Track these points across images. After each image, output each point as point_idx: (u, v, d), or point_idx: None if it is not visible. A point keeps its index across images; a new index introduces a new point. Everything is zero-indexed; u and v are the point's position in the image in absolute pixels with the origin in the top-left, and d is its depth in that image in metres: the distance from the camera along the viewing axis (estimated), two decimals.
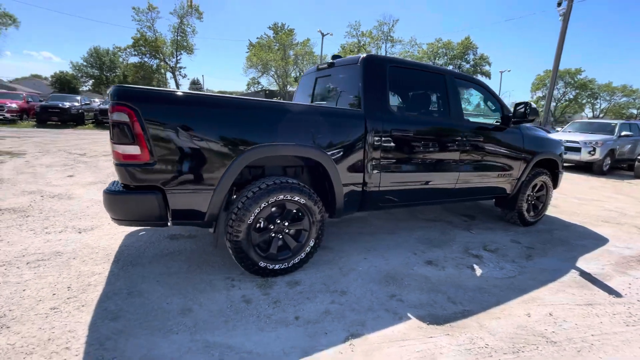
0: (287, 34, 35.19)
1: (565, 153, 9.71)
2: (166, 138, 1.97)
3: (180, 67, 28.75)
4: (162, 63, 27.73)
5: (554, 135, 10.49)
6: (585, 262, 3.20)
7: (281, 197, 2.35)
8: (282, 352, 1.75)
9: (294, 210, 2.50)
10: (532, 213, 4.20)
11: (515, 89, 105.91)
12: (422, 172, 3.05)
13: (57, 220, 3.44)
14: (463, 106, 3.55)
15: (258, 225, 2.41)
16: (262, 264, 2.40)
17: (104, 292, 2.21)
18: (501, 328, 2.08)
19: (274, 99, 3.16)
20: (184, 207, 2.12)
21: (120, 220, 2.06)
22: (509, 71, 40.80)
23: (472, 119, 3.45)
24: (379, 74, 2.79)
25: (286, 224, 2.50)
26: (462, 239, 3.61)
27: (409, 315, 2.16)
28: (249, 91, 44.81)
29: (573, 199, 6.08)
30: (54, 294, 2.15)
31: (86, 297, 2.14)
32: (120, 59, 31.26)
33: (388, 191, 2.94)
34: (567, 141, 9.86)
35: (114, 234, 3.19)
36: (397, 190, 2.99)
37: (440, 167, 3.15)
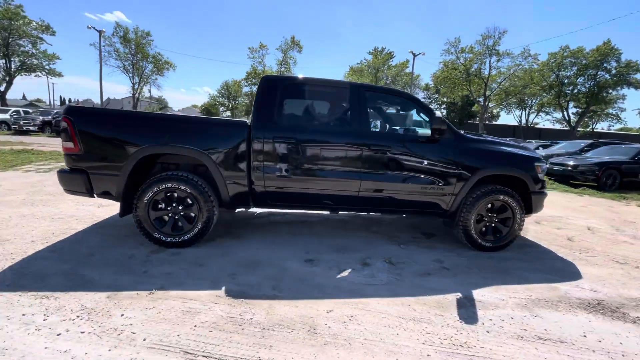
0: (384, 58, 36.08)
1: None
2: (89, 138, 3.04)
3: None
4: None
5: None
6: (492, 291, 2.78)
7: (169, 185, 3.12)
8: (107, 285, 2.48)
9: (186, 198, 3.21)
10: (490, 237, 3.68)
11: None
12: (310, 177, 3.30)
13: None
14: (395, 118, 3.59)
15: (160, 206, 3.23)
16: (156, 235, 3.19)
17: (66, 238, 3.40)
18: (275, 311, 2.27)
19: None
20: (101, 186, 3.14)
21: (66, 190, 3.21)
22: None
23: (389, 130, 3.48)
24: (270, 90, 3.30)
25: (180, 207, 3.24)
26: (377, 250, 3.56)
27: (222, 287, 2.57)
28: None
29: (624, 236, 4.70)
30: (41, 235, 3.45)
31: (54, 239, 3.36)
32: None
33: (275, 192, 3.33)
34: None
35: (116, 209, 4.53)
36: (285, 191, 3.35)
37: (333, 174, 3.33)
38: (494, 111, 50.25)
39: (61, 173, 3.14)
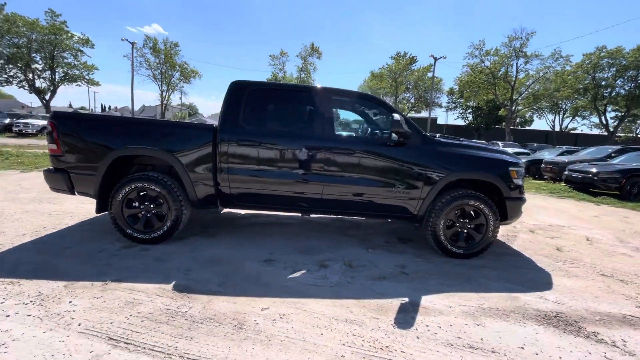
0: (406, 63, 35.61)
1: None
2: (69, 141, 3.32)
3: None
4: None
5: None
6: (443, 298, 2.70)
7: (140, 184, 3.32)
8: (69, 275, 2.69)
9: (156, 197, 3.40)
10: (462, 243, 3.57)
11: None
12: (274, 179, 3.39)
13: None
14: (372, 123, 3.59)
15: (133, 204, 3.44)
16: (129, 232, 3.40)
17: (54, 233, 3.70)
18: (212, 306, 2.35)
19: None
20: (80, 184, 3.40)
21: (52, 188, 3.51)
22: None
23: (362, 133, 3.49)
24: (237, 95, 3.43)
25: (151, 206, 3.43)
26: (343, 253, 3.55)
27: (172, 281, 2.69)
28: None
29: (626, 248, 4.35)
30: (34, 229, 3.77)
31: (43, 233, 3.66)
32: None
33: (241, 193, 3.44)
34: None
35: None
36: (250, 193, 3.45)
37: (296, 176, 3.38)
38: (526, 115, 47.88)
39: (46, 172, 3.45)
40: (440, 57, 28.03)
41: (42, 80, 30.65)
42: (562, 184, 10.71)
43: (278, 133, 3.45)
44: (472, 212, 3.53)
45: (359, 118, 4.19)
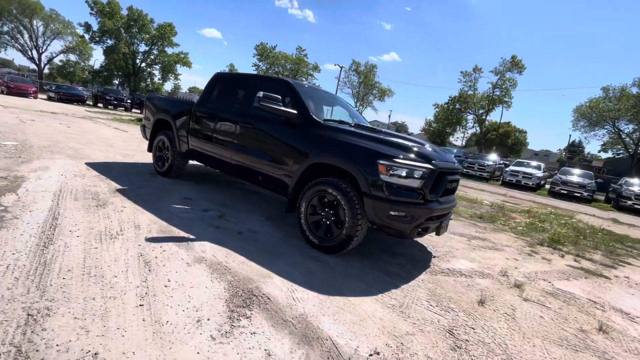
0: None
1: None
2: (146, 108, 5.81)
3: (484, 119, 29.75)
4: (464, 115, 30.23)
5: None
6: (220, 252, 2.95)
7: (162, 137, 5.34)
8: (108, 174, 5.01)
9: (168, 147, 5.34)
10: (321, 234, 3.27)
11: None
12: (207, 142, 4.47)
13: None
14: None
15: (161, 149, 5.55)
16: (155, 166, 5.53)
17: (144, 162, 6.45)
18: (111, 198, 3.84)
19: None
20: (147, 133, 5.83)
21: (142, 135, 6.16)
22: None
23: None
24: (211, 81, 4.76)
25: (166, 152, 5.41)
26: (242, 215, 4.12)
27: (125, 187, 4.43)
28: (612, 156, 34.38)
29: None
30: (142, 159, 6.69)
31: (142, 161, 6.48)
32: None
33: (196, 151, 4.77)
34: None
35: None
36: (199, 152, 4.70)
37: (218, 141, 4.31)
38: None
39: (140, 126, 6.15)
40: None
41: None
42: None
43: (220, 109, 4.54)
44: (333, 202, 3.20)
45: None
